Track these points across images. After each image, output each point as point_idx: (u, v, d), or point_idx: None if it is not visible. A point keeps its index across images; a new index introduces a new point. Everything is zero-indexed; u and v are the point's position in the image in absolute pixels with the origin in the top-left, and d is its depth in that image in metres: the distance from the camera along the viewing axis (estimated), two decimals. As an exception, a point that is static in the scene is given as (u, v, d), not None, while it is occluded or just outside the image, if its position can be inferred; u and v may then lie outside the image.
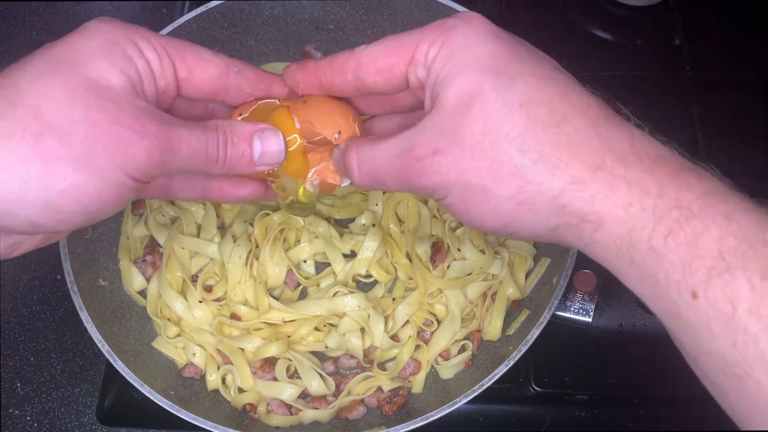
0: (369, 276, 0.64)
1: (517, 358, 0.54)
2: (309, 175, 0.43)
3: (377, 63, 0.37)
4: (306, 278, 0.64)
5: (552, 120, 0.33)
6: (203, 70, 0.39)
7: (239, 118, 0.42)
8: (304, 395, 0.61)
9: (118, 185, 0.34)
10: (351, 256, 0.64)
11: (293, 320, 0.62)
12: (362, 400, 0.61)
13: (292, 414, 0.60)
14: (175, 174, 0.42)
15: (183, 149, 0.36)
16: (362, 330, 0.61)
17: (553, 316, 0.56)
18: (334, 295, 0.61)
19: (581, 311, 0.61)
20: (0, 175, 0.32)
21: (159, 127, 0.35)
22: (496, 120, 0.33)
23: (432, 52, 0.36)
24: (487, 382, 0.54)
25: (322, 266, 0.66)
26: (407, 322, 0.62)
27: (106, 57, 0.35)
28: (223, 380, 0.62)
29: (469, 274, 0.62)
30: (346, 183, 0.43)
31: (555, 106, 0.34)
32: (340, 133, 0.41)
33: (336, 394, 0.61)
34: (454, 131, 0.34)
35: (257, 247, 0.64)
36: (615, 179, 0.32)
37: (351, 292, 0.61)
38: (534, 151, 0.33)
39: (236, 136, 0.39)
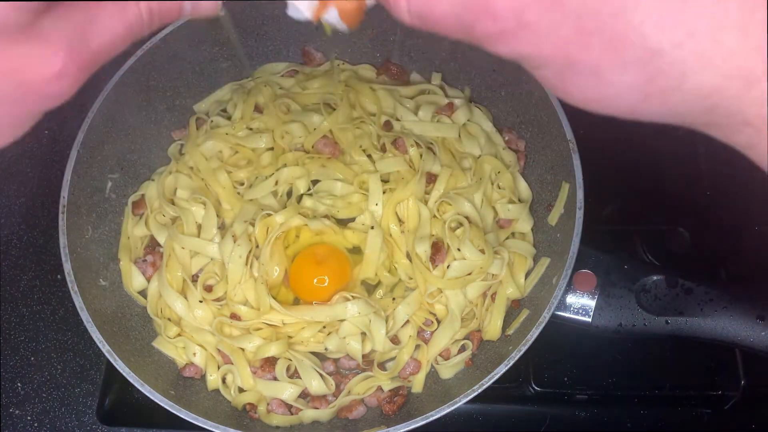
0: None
1: (517, 358, 0.54)
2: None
3: None
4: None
5: None
6: None
7: None
8: (304, 395, 0.61)
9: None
10: (354, 252, 0.65)
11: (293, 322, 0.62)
12: (362, 400, 0.61)
13: (292, 414, 0.60)
14: None
15: (103, 55, 0.29)
16: (363, 334, 0.61)
17: (553, 315, 0.56)
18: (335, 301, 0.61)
19: (581, 311, 0.61)
20: None
21: (78, 59, 0.28)
22: None
23: None
24: (487, 382, 0.54)
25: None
26: (407, 322, 0.62)
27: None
28: (223, 380, 0.62)
29: (469, 274, 0.62)
30: (371, 2, 0.35)
31: None
32: None
33: (336, 394, 0.61)
34: None
35: (257, 247, 0.64)
36: None
37: (353, 297, 0.61)
38: (679, 30, 0.23)
39: (164, 6, 0.32)
